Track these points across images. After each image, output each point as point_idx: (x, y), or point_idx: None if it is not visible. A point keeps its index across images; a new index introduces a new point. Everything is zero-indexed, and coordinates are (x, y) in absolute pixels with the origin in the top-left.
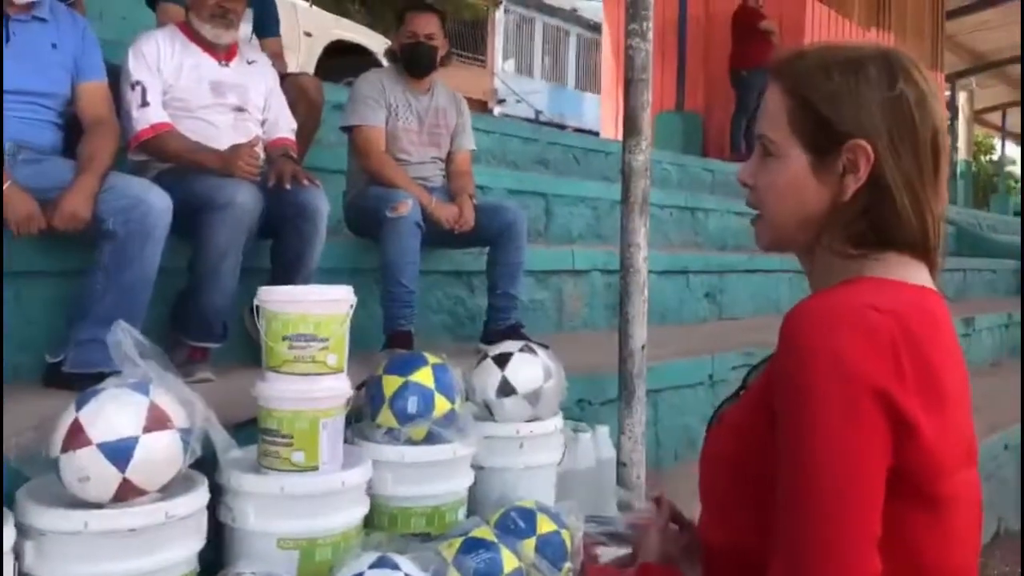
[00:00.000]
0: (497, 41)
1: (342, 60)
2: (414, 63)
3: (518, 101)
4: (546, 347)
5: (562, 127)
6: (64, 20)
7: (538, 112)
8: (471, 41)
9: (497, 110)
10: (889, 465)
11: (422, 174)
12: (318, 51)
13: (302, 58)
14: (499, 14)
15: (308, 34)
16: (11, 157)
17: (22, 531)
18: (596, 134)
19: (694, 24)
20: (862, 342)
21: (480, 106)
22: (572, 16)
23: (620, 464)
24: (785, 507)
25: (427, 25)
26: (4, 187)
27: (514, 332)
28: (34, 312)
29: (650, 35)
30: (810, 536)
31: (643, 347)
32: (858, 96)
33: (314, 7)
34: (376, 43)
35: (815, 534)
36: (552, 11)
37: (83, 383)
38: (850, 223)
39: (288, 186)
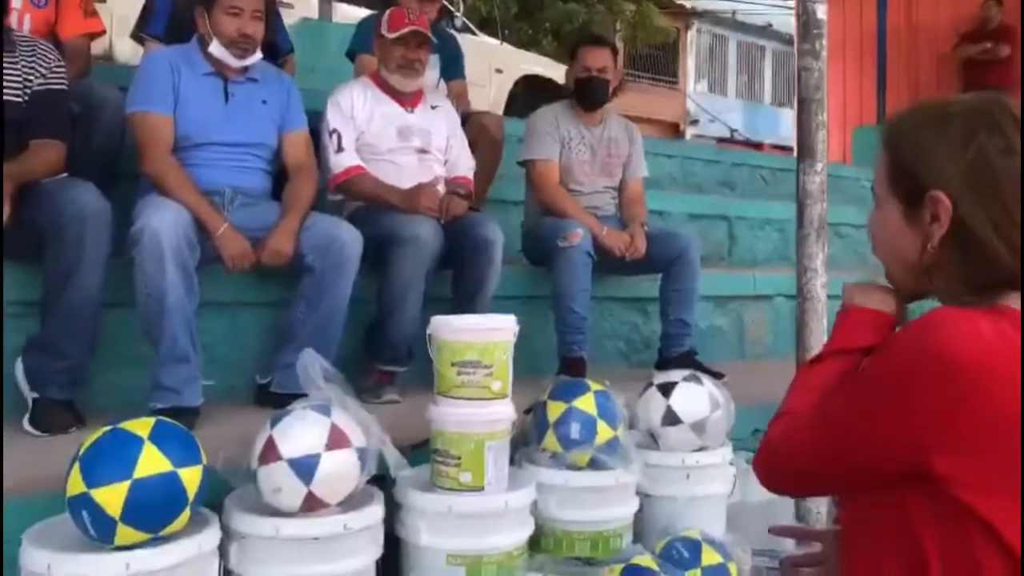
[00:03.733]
0: (689, 62)
1: (533, 92)
2: (587, 97)
3: (711, 121)
4: (720, 375)
5: (758, 145)
6: (272, 78)
7: (733, 131)
8: (663, 64)
9: (690, 131)
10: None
11: (595, 203)
12: (508, 86)
13: (493, 93)
14: (691, 34)
15: (499, 71)
16: (229, 202)
17: (227, 533)
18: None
19: (894, 34)
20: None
21: (672, 128)
22: (767, 31)
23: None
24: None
25: (599, 59)
26: (221, 230)
27: (689, 359)
28: (246, 339)
29: (823, 54)
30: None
31: None
32: (936, 150)
33: (505, 44)
34: (561, 74)
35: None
36: (746, 28)
37: (288, 402)
38: (957, 266)
39: (442, 220)
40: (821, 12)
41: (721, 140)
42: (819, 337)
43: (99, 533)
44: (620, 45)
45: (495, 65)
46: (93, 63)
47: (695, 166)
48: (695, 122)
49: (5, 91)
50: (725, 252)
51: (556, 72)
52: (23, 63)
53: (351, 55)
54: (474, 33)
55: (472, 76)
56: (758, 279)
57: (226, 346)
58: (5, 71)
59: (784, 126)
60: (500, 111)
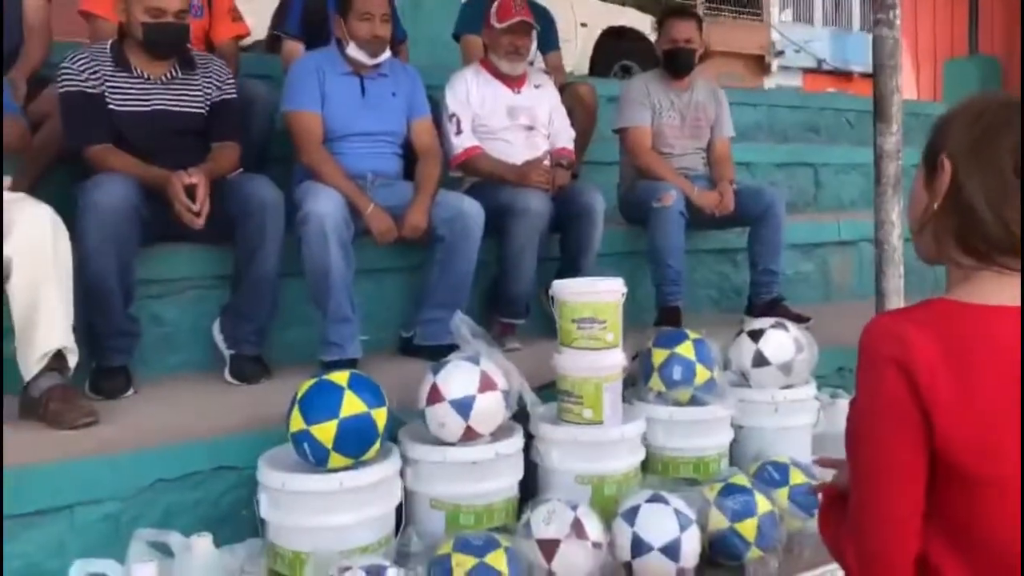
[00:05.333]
0: None
1: (617, 43)
2: (675, 66)
3: (797, 51)
4: (806, 319)
5: (848, 75)
6: (399, 72)
7: (820, 61)
8: None
9: (775, 63)
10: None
11: (685, 164)
12: (593, 39)
13: (579, 47)
14: None
15: (583, 24)
16: (371, 184)
17: (404, 459)
18: None
19: None
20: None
21: (757, 61)
22: None
23: None
24: None
25: (686, 31)
26: (369, 210)
27: (776, 305)
28: (390, 299)
29: (898, 22)
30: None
31: None
32: (955, 121)
33: None
34: (646, 24)
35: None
36: None
37: (429, 353)
38: (950, 226)
39: (550, 191)
40: None
41: (808, 71)
42: (895, 283)
43: (316, 459)
44: None
45: (579, 19)
46: None
47: (780, 113)
48: (780, 53)
49: (190, 105)
50: (811, 198)
51: (639, 21)
52: (203, 80)
53: (457, 36)
54: None
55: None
56: (842, 225)
57: (374, 306)
58: (190, 88)
59: None
60: (586, 65)
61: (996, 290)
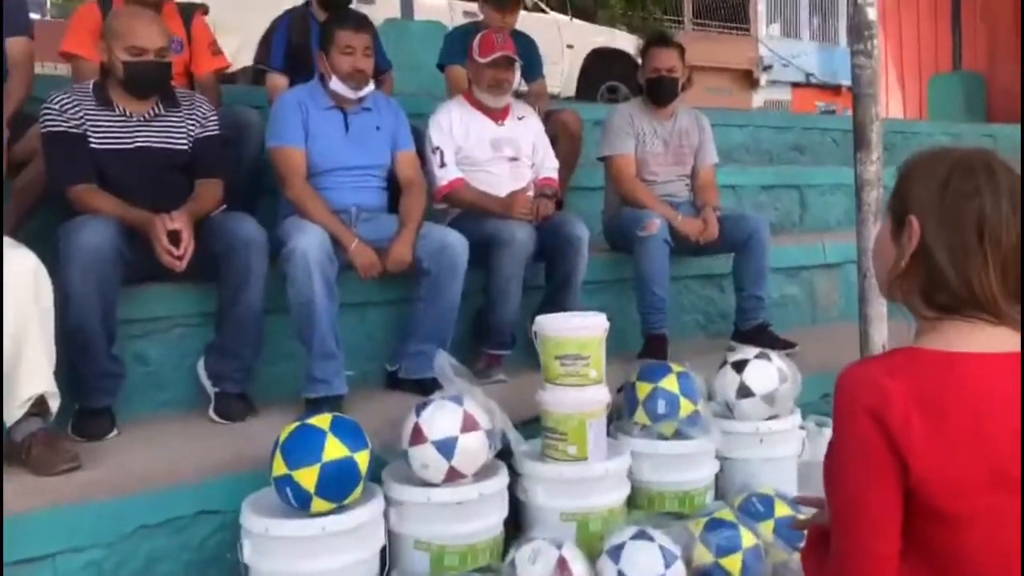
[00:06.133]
0: (761, 6)
1: (604, 65)
2: (657, 95)
3: (785, 66)
4: (792, 345)
5: (836, 88)
6: (383, 105)
7: (808, 75)
8: (733, 11)
9: (763, 78)
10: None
11: (668, 191)
12: (579, 61)
13: (566, 69)
14: None
15: (570, 46)
16: (355, 218)
17: (388, 501)
18: None
19: None
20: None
21: (745, 76)
22: None
23: None
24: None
25: (668, 60)
26: (352, 245)
27: (762, 331)
28: (375, 332)
29: (876, 52)
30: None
31: (883, 347)
32: (922, 183)
33: (575, 20)
34: (631, 45)
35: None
36: None
37: (414, 386)
38: (918, 282)
39: (535, 222)
40: (872, 14)
41: (796, 85)
42: (878, 309)
43: (299, 504)
44: None
45: (566, 41)
46: None
47: (765, 134)
48: (768, 68)
49: (174, 141)
50: (797, 219)
51: (626, 43)
52: (186, 116)
53: (441, 67)
54: (544, 11)
55: (544, 53)
56: (827, 248)
57: (359, 340)
58: (173, 125)
59: None
60: (572, 86)
61: (961, 337)
